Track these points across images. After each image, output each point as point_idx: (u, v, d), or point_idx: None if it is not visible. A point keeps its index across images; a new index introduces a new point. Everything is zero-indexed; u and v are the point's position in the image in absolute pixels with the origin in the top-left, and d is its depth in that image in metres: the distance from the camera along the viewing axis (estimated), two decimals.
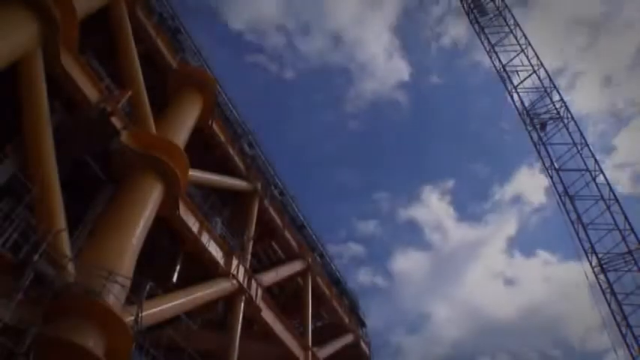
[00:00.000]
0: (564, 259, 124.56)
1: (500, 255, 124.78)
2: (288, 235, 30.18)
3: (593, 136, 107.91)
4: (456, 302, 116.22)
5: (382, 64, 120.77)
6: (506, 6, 44.44)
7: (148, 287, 13.47)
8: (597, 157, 39.07)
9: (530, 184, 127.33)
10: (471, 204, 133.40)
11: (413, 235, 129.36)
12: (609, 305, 34.15)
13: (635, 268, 34.08)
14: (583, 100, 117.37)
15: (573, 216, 37.47)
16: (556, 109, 40.79)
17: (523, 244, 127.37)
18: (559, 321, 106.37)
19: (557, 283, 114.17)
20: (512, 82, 42.96)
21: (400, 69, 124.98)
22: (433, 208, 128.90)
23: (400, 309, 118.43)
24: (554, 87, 41.73)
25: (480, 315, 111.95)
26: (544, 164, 40.22)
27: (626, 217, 36.06)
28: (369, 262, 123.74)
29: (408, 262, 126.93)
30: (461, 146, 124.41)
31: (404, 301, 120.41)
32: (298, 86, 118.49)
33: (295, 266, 29.75)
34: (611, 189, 37.10)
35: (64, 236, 12.87)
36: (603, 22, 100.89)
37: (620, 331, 33.21)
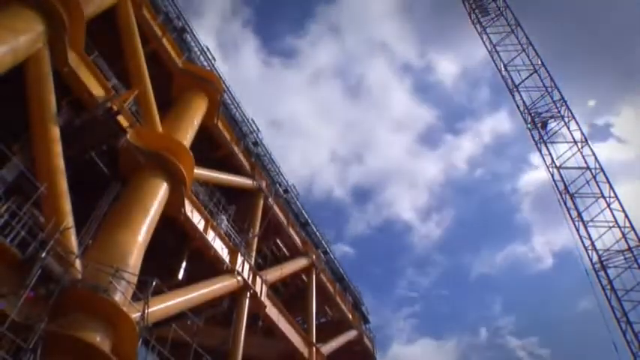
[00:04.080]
0: None
1: None
2: (292, 232, 30.39)
3: None
4: None
5: None
6: (507, 6, 44.39)
7: (154, 284, 13.59)
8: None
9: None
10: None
11: None
12: (609, 301, 34.19)
13: (635, 265, 34.05)
14: None
15: (573, 213, 37.49)
16: (557, 107, 40.77)
17: None
18: None
19: None
20: (513, 82, 42.92)
21: None
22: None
23: None
24: (555, 86, 41.67)
25: None
26: (545, 162, 40.25)
27: (626, 215, 36.04)
28: None
29: None
30: None
31: None
32: None
33: (299, 263, 29.95)
34: (611, 187, 37.03)
35: (71, 233, 13.03)
36: None
37: (620, 328, 33.22)
